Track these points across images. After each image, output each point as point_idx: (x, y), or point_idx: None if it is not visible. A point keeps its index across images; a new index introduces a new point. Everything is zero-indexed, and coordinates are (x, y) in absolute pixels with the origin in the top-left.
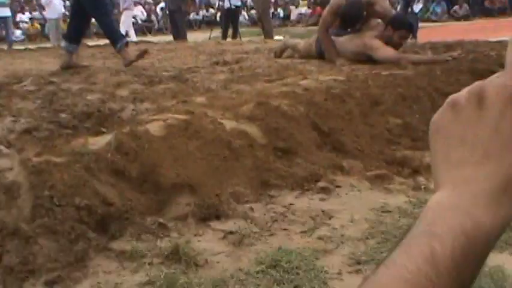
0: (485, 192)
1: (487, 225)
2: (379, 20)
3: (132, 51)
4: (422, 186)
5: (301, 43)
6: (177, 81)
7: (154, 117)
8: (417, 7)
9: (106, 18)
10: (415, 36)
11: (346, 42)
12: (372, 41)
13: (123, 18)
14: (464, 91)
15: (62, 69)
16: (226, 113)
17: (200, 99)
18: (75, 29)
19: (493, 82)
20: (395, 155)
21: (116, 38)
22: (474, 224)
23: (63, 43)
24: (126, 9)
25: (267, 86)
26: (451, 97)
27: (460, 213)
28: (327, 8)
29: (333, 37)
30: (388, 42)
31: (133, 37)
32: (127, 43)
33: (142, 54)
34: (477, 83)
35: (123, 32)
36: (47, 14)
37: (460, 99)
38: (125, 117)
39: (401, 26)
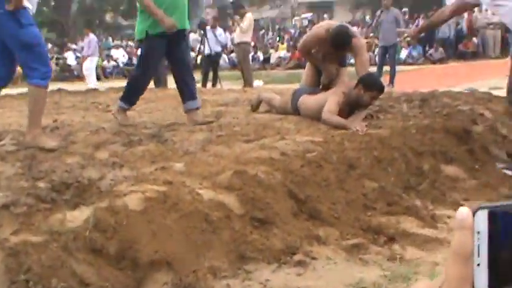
0: None
1: None
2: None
3: (125, 116)
4: (398, 256)
5: (276, 98)
6: (156, 141)
7: (133, 187)
8: (403, 53)
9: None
10: (392, 82)
11: (321, 99)
12: (331, 95)
13: (87, 64)
14: None
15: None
16: (204, 181)
17: (179, 165)
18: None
19: None
20: (371, 222)
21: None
22: None
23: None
24: (90, 55)
25: (245, 148)
26: None
27: None
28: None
29: (306, 95)
30: (358, 100)
31: (93, 83)
32: (128, 109)
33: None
34: None
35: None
36: None
37: None
38: (104, 187)
39: (373, 88)
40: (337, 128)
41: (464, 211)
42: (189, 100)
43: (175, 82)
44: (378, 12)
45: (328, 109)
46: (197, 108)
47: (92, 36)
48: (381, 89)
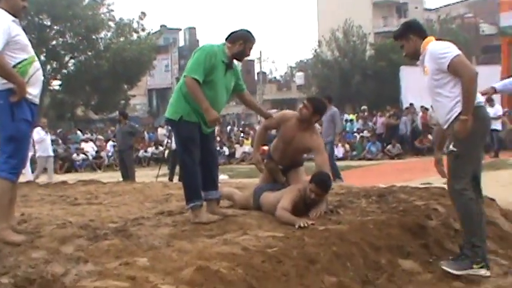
0: None
1: None
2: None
3: (203, 212)
4: None
5: (237, 193)
6: (121, 236)
7: (96, 283)
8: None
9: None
10: (337, 177)
11: (279, 195)
12: (287, 193)
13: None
14: None
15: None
16: (167, 277)
17: (142, 261)
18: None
19: None
20: None
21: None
22: None
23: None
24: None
25: (207, 243)
26: None
27: None
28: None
29: (266, 192)
30: (307, 196)
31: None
32: (202, 205)
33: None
34: None
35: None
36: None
37: None
38: (68, 282)
39: (314, 180)
40: (287, 223)
41: None
42: (212, 189)
43: (202, 170)
44: None
45: (281, 206)
46: (217, 200)
47: None
48: (321, 186)
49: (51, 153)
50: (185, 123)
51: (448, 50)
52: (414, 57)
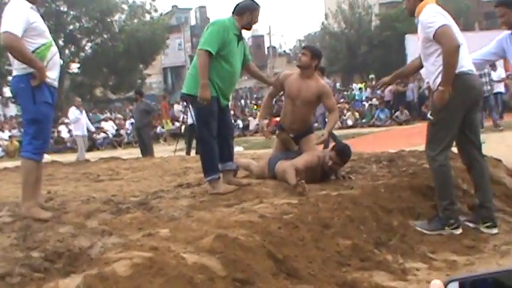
0: None
1: None
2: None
3: (220, 183)
4: None
5: (253, 164)
6: (143, 209)
7: (121, 254)
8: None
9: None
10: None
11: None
12: (306, 154)
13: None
14: None
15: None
16: (188, 246)
17: (164, 231)
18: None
19: None
20: (346, 278)
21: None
22: None
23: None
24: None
25: (225, 213)
26: None
27: None
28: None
29: (281, 161)
30: (325, 162)
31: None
32: (219, 177)
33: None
34: None
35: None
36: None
37: None
38: (94, 254)
39: (336, 149)
40: (286, 181)
41: (437, 284)
42: (228, 161)
43: (219, 142)
44: None
45: (294, 164)
46: (234, 170)
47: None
48: (341, 156)
49: (86, 133)
50: None
51: (434, 19)
52: (411, 15)
